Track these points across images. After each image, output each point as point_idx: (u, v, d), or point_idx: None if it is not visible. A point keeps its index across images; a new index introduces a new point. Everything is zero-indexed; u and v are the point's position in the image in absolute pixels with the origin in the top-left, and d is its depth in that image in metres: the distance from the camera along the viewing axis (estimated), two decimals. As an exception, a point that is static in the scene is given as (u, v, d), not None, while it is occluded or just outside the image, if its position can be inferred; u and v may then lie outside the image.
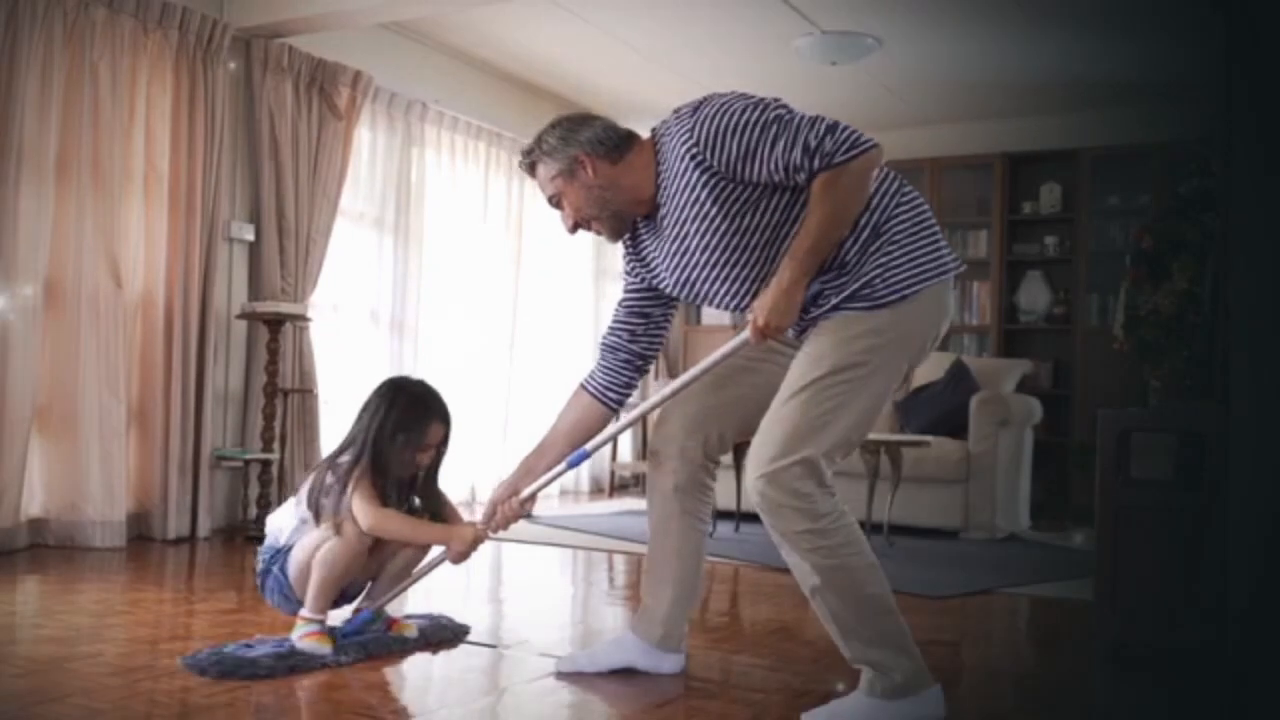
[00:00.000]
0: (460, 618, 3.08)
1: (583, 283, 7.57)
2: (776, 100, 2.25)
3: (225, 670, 2.46)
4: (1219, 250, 3.16)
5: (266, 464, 4.89)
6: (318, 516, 2.73)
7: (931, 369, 6.17)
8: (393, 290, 5.92)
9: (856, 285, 2.23)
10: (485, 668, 2.73)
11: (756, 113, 2.19)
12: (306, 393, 5.21)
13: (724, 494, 4.91)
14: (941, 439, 5.56)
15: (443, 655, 2.81)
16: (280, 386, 4.97)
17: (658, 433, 2.61)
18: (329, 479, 2.73)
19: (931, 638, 3.10)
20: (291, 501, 2.82)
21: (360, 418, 2.79)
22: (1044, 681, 2.73)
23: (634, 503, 6.80)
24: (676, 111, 2.34)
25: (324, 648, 2.62)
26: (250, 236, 5.16)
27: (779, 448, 2.19)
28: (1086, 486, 5.07)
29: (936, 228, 2.32)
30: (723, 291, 2.37)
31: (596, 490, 7.64)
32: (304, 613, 2.70)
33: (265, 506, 4.85)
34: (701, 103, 2.28)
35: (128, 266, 4.54)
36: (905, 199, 2.31)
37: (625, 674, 2.59)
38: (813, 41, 5.71)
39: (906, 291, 2.23)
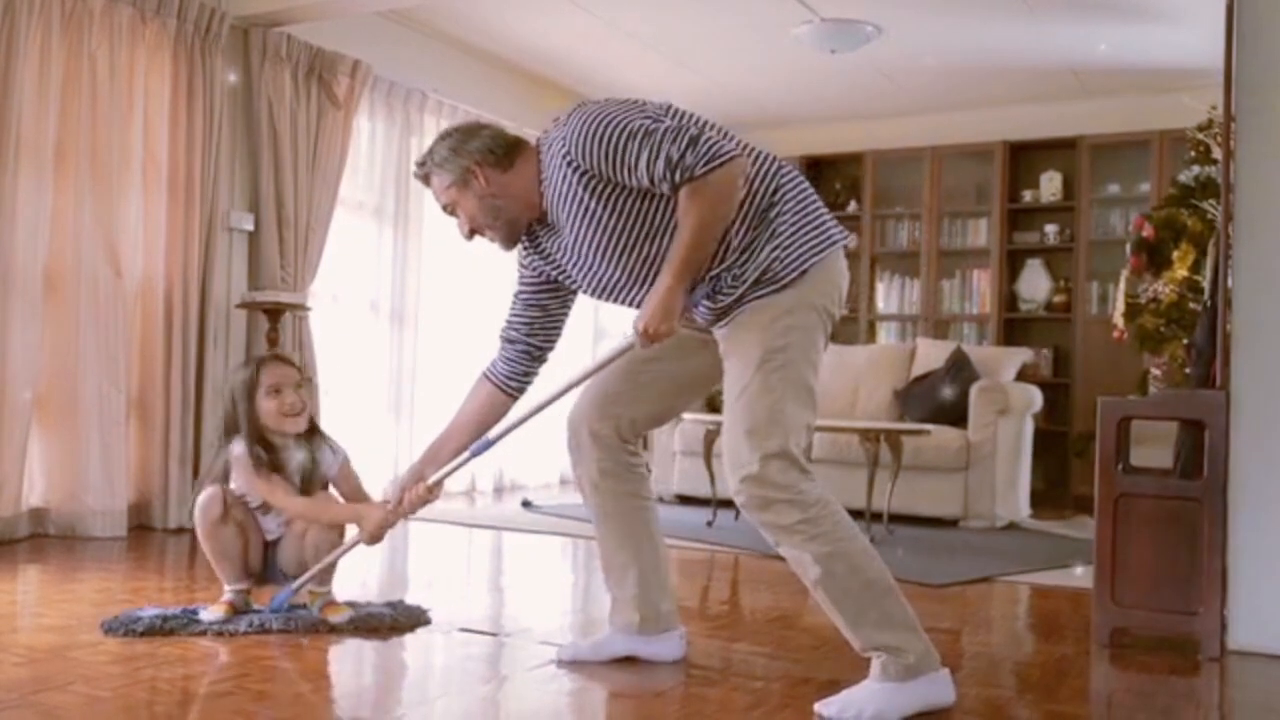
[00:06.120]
0: (458, 606, 3.08)
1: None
2: (647, 108, 2.28)
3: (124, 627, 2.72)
4: (1220, 238, 3.15)
5: (267, 453, 4.89)
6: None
7: (932, 357, 6.17)
8: (392, 280, 5.91)
9: (758, 273, 2.29)
10: (486, 655, 2.74)
11: (623, 121, 2.23)
12: (306, 382, 5.20)
13: (724, 483, 4.91)
14: (941, 428, 5.56)
15: (443, 643, 2.82)
16: (280, 376, 4.97)
17: (569, 420, 2.63)
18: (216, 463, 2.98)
19: (932, 625, 3.09)
20: None
21: None
22: (1043, 668, 2.73)
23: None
24: (555, 119, 2.39)
25: (216, 614, 2.82)
26: (249, 226, 5.15)
27: (748, 448, 2.24)
28: (1086, 475, 5.07)
29: (819, 204, 2.40)
30: (626, 290, 2.40)
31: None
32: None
33: (265, 496, 4.86)
34: (573, 110, 2.33)
35: (127, 256, 4.54)
36: (785, 181, 2.36)
37: (625, 662, 2.60)
38: (812, 29, 5.70)
39: (805, 267, 2.30)
